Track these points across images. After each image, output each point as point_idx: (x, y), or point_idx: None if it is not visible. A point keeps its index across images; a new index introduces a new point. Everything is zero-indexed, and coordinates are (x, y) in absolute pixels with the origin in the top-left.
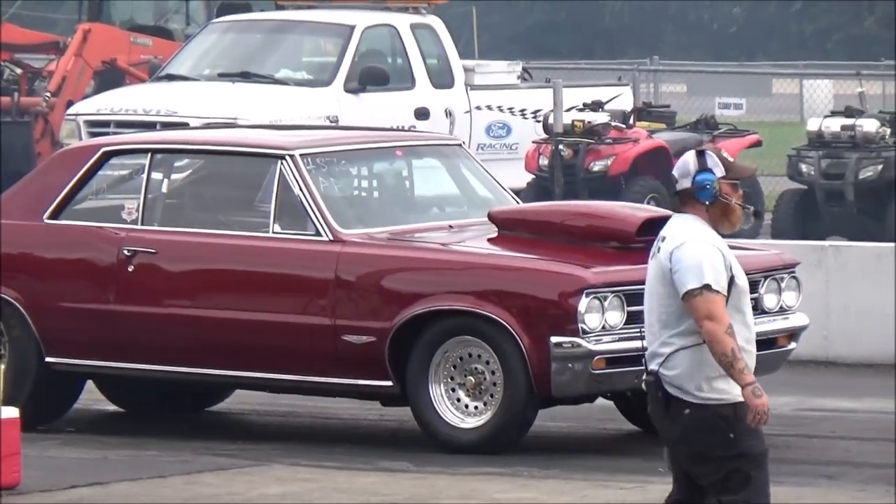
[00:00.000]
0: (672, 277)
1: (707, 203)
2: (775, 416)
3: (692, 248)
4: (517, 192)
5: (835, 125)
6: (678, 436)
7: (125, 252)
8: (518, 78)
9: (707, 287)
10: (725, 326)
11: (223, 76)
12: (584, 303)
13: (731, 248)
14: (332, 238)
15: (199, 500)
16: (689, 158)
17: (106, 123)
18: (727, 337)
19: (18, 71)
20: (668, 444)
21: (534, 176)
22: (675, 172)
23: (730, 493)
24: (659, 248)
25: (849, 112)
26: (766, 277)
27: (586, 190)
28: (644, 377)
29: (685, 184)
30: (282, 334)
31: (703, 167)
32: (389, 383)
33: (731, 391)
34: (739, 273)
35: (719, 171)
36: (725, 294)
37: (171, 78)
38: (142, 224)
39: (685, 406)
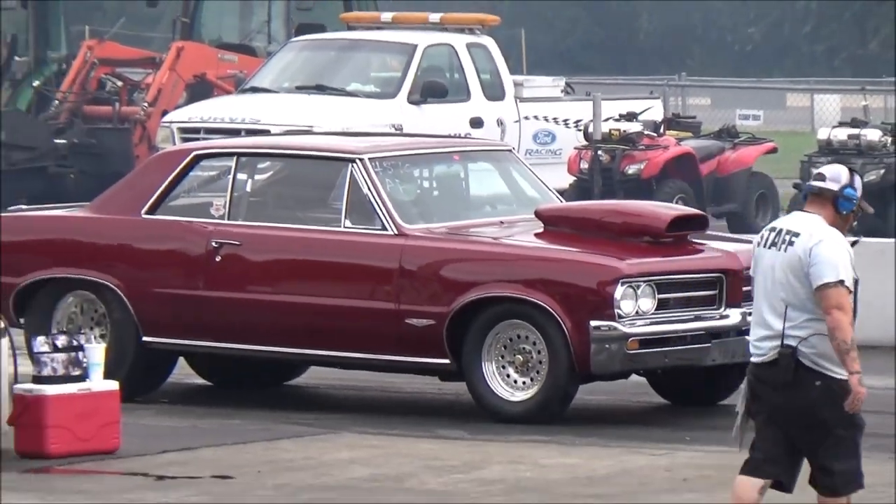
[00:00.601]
0: (809, 270)
1: (842, 212)
2: None
3: (831, 246)
4: (560, 193)
5: (842, 134)
6: (805, 404)
7: (213, 244)
8: (561, 91)
9: (841, 282)
10: (850, 318)
11: (300, 89)
12: (619, 290)
13: (750, 242)
14: (396, 232)
15: (277, 464)
16: (843, 171)
17: (197, 130)
18: (850, 327)
19: (119, 83)
20: (776, 411)
21: (575, 178)
22: (825, 172)
23: (838, 459)
24: (792, 242)
25: (854, 123)
26: None
27: (622, 191)
28: (779, 350)
29: (832, 186)
30: (352, 317)
31: (852, 183)
32: (447, 361)
33: None
34: (856, 275)
35: (860, 193)
36: (852, 291)
37: (254, 90)
38: (228, 219)
39: (818, 378)
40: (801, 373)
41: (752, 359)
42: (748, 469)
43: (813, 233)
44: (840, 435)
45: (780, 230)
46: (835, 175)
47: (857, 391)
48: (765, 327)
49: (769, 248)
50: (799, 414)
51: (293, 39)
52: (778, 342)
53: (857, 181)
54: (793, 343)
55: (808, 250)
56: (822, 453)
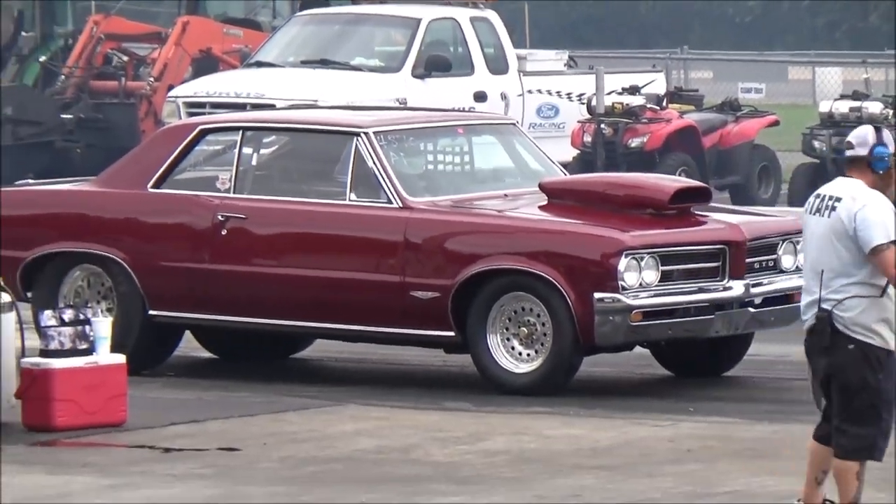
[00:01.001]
0: (857, 235)
1: (879, 172)
2: (791, 363)
3: (877, 208)
4: (564, 166)
5: (843, 107)
6: (838, 366)
7: (219, 217)
8: (565, 65)
9: (894, 242)
10: None
11: (305, 63)
12: (623, 262)
13: (753, 214)
14: (401, 205)
15: (283, 436)
16: (868, 131)
17: (202, 105)
18: None
19: (125, 58)
20: (817, 375)
21: (579, 151)
22: (851, 139)
23: (858, 424)
24: (834, 207)
25: (856, 96)
26: (783, 240)
27: (625, 164)
28: (816, 314)
29: (861, 152)
30: (357, 290)
31: (880, 141)
32: (452, 333)
33: (887, 339)
34: None
35: (892, 147)
36: None
37: (259, 65)
38: (234, 193)
39: (850, 342)
40: (836, 336)
41: (804, 327)
42: (819, 436)
43: (855, 196)
44: (864, 399)
45: (824, 196)
46: (861, 139)
47: None
48: (808, 293)
49: (814, 214)
50: (832, 374)
51: (298, 14)
52: (816, 308)
53: (886, 136)
54: (828, 307)
55: (852, 215)
56: (843, 415)
